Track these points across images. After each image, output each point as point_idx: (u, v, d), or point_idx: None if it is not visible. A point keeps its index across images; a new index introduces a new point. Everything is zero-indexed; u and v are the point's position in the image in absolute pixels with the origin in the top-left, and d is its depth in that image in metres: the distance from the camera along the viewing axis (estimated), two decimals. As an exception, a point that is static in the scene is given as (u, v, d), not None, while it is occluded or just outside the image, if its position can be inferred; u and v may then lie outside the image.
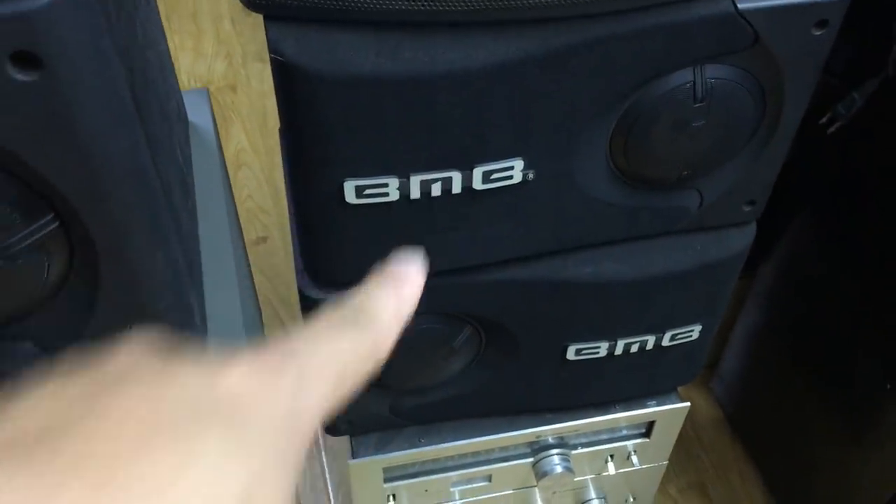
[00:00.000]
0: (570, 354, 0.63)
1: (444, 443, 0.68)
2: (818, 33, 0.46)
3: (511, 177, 0.49)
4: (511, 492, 0.76)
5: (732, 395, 0.95)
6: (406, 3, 0.39)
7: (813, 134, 0.66)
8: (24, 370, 0.32)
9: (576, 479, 0.77)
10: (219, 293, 0.40)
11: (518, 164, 0.47)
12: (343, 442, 0.84)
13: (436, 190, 0.48)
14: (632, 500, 0.84)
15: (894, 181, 0.69)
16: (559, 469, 0.72)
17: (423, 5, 0.39)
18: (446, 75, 0.42)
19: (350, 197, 0.47)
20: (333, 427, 0.65)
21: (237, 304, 0.41)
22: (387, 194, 0.48)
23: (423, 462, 0.70)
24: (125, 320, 0.30)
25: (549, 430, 0.70)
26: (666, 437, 0.75)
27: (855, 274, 0.77)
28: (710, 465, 0.92)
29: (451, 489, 0.74)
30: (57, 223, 0.28)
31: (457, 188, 0.48)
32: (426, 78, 0.42)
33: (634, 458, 0.76)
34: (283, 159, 0.56)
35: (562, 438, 0.73)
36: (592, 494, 0.81)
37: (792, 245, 0.84)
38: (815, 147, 0.73)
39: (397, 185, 0.47)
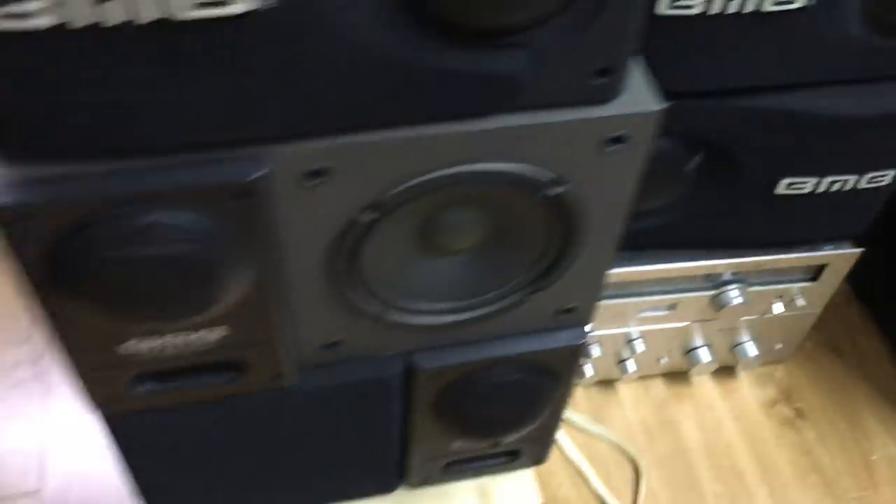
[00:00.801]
0: (780, 188, 0.72)
1: (650, 264, 0.77)
2: None
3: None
4: (685, 324, 0.86)
5: (859, 268, 1.04)
6: None
7: None
8: (516, 75, 0.40)
9: (742, 318, 0.87)
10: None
11: (809, -14, 0.55)
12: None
13: (732, 7, 0.56)
14: (779, 346, 0.93)
15: None
16: (737, 301, 0.82)
17: None
18: None
19: (661, 7, 0.55)
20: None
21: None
22: (690, 6, 0.56)
23: (624, 284, 0.80)
24: (603, 43, 0.39)
25: (739, 263, 0.79)
26: (831, 282, 0.84)
27: None
28: (842, 329, 1.02)
29: (639, 314, 0.84)
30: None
31: (749, 7, 0.56)
32: None
33: (799, 301, 0.85)
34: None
35: (740, 275, 0.82)
36: (747, 337, 0.91)
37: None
38: None
39: (706, -3, 0.55)
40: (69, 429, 0.87)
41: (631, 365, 0.90)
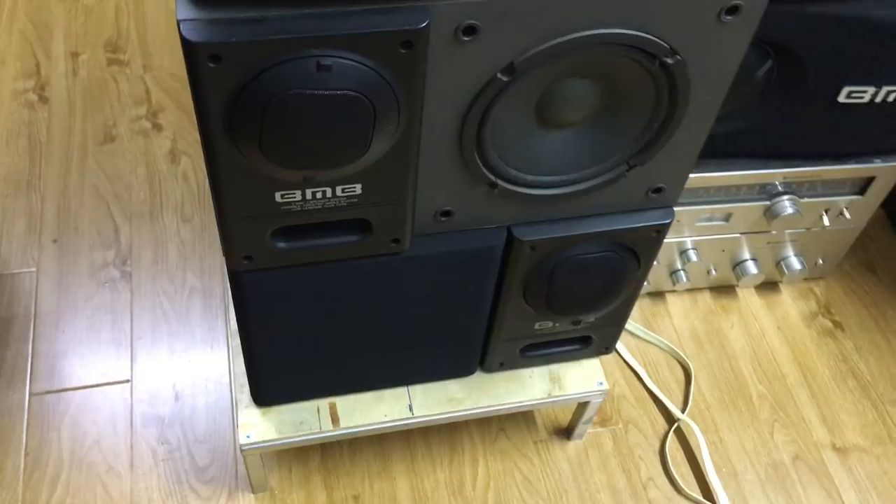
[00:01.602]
0: (842, 97, 0.77)
1: (712, 172, 0.82)
2: None
3: None
4: (737, 235, 0.91)
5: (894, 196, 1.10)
6: None
7: None
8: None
9: (789, 232, 0.92)
10: None
11: None
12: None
13: None
14: (821, 262, 0.99)
15: None
16: (790, 211, 0.87)
17: None
18: None
19: None
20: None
21: None
22: None
23: (685, 192, 0.85)
24: None
25: (795, 173, 0.84)
26: (876, 196, 0.90)
27: None
28: (876, 251, 1.07)
29: (696, 223, 0.89)
30: None
31: None
32: None
33: (846, 214, 0.90)
34: None
35: (794, 186, 0.87)
36: (792, 251, 0.96)
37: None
38: None
39: None
40: (156, 324, 0.92)
41: (682, 276, 0.95)
